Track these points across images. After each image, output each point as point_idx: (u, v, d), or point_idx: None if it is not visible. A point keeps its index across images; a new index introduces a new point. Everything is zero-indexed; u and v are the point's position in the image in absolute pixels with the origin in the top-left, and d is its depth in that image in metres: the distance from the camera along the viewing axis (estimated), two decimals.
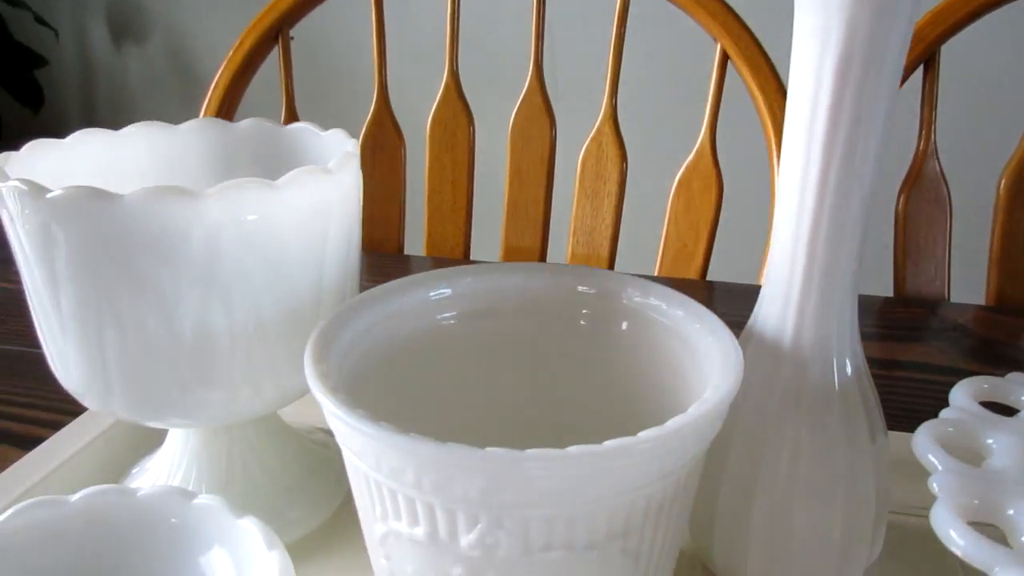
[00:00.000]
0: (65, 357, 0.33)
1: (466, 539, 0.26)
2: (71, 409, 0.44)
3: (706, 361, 0.30)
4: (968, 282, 0.88)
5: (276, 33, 0.86)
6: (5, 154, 0.34)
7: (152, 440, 0.42)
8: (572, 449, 0.24)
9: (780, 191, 0.31)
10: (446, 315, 0.35)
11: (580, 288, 0.35)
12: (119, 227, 0.30)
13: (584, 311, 0.35)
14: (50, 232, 0.30)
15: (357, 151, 0.35)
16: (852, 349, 0.32)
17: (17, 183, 0.30)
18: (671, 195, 0.81)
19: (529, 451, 0.24)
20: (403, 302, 0.34)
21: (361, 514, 0.30)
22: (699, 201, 0.81)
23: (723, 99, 0.79)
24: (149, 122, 0.40)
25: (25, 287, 0.34)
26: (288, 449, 0.40)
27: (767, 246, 0.70)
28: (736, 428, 0.32)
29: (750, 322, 0.34)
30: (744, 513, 0.33)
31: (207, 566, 0.32)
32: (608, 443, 0.24)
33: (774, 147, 0.77)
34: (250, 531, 0.32)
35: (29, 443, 0.43)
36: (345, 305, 0.32)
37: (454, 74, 0.87)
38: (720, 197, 0.80)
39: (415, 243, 0.89)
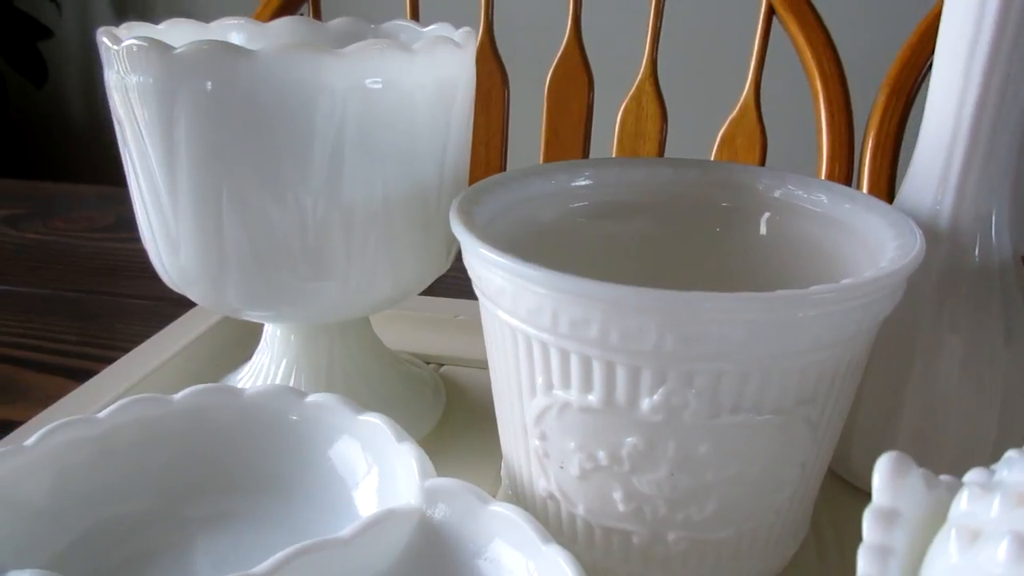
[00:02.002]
0: (176, 242, 0.31)
1: (648, 402, 0.24)
2: (120, 346, 0.43)
3: (871, 238, 0.29)
4: None
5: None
6: (105, 28, 0.32)
7: (246, 346, 0.40)
8: (780, 292, 0.23)
9: (939, 64, 0.30)
10: (582, 204, 0.33)
11: (719, 182, 0.34)
12: (249, 85, 0.28)
13: (723, 204, 0.33)
14: (174, 94, 0.28)
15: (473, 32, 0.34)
16: (1011, 228, 0.30)
17: (137, 41, 0.28)
18: (713, 152, 0.80)
19: (737, 293, 0.22)
20: (541, 187, 0.32)
21: (506, 397, 0.28)
22: (742, 159, 0.79)
23: (768, 53, 0.78)
24: (239, 18, 0.38)
25: (131, 173, 0.32)
26: (385, 362, 0.38)
27: None
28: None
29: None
30: (893, 409, 0.32)
31: (336, 458, 0.30)
32: (812, 288, 0.23)
33: (822, 103, 0.76)
34: (376, 425, 0.30)
35: (83, 375, 0.41)
36: (483, 181, 0.30)
37: (489, 32, 0.85)
38: (764, 154, 0.79)
39: None
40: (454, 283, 0.55)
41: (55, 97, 1.68)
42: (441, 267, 0.35)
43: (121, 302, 0.57)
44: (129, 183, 0.33)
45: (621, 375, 0.24)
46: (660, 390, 0.24)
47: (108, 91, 0.31)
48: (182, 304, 0.47)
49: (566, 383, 0.25)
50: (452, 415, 0.39)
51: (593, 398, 0.25)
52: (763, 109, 0.78)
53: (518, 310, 0.25)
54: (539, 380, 0.26)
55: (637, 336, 0.23)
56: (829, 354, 0.24)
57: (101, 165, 1.67)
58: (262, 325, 0.38)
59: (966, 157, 0.29)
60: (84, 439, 0.30)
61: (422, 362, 0.42)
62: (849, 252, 0.30)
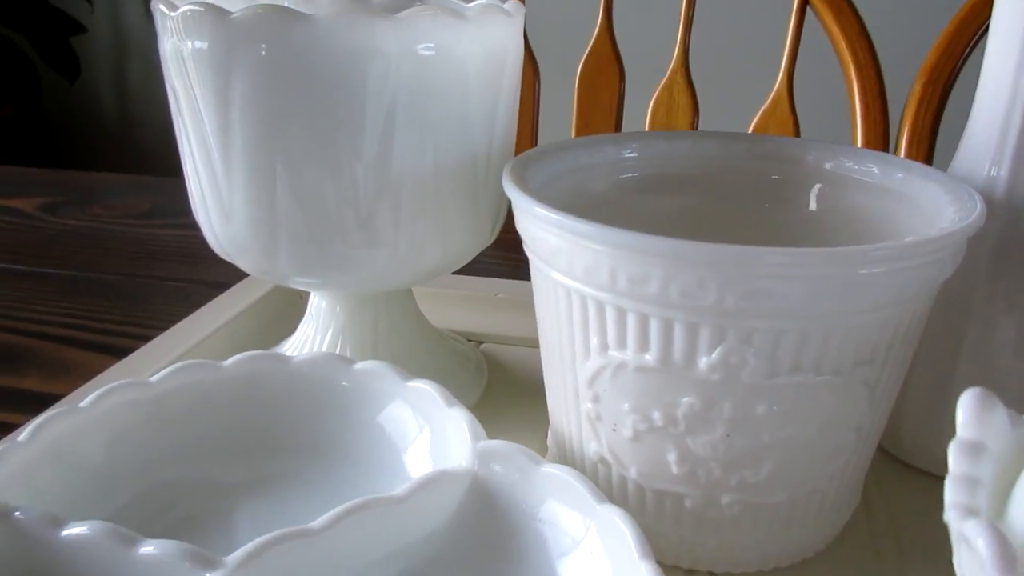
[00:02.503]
0: (229, 210, 0.31)
1: (706, 360, 0.24)
2: (161, 325, 0.43)
3: (927, 206, 0.28)
4: None
5: None
6: None
7: (291, 320, 0.41)
8: (842, 248, 0.22)
9: (995, 28, 0.29)
10: (631, 175, 0.33)
11: (767, 155, 0.33)
12: (303, 49, 0.28)
13: (773, 176, 0.33)
14: (229, 59, 0.28)
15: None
16: None
17: (193, 7, 0.28)
18: None
19: (799, 248, 0.22)
20: (590, 157, 0.32)
21: (557, 361, 0.28)
22: None
23: (801, 42, 0.78)
24: None
25: (184, 143, 0.32)
26: (429, 335, 0.39)
27: None
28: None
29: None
30: (944, 384, 0.31)
31: (386, 423, 0.31)
32: (875, 244, 0.23)
33: (856, 93, 0.75)
34: (425, 391, 0.30)
35: (126, 353, 0.42)
36: (531, 151, 0.31)
37: None
38: None
39: None
40: (491, 267, 0.55)
41: (86, 93, 1.70)
42: (486, 239, 0.35)
43: (160, 284, 0.57)
44: (182, 153, 0.33)
45: (679, 333, 0.24)
46: (718, 348, 0.24)
47: (163, 60, 0.31)
48: (218, 286, 0.48)
49: (622, 343, 0.25)
50: (494, 390, 0.39)
51: (649, 357, 0.25)
52: (796, 100, 0.78)
53: (574, 269, 0.25)
54: (594, 341, 0.26)
55: (697, 292, 0.23)
56: (889, 314, 0.24)
57: (132, 161, 1.70)
58: (306, 299, 0.38)
59: None
60: (137, 401, 0.30)
61: (464, 339, 0.42)
62: (905, 221, 0.29)
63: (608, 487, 0.28)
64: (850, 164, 0.32)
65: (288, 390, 0.32)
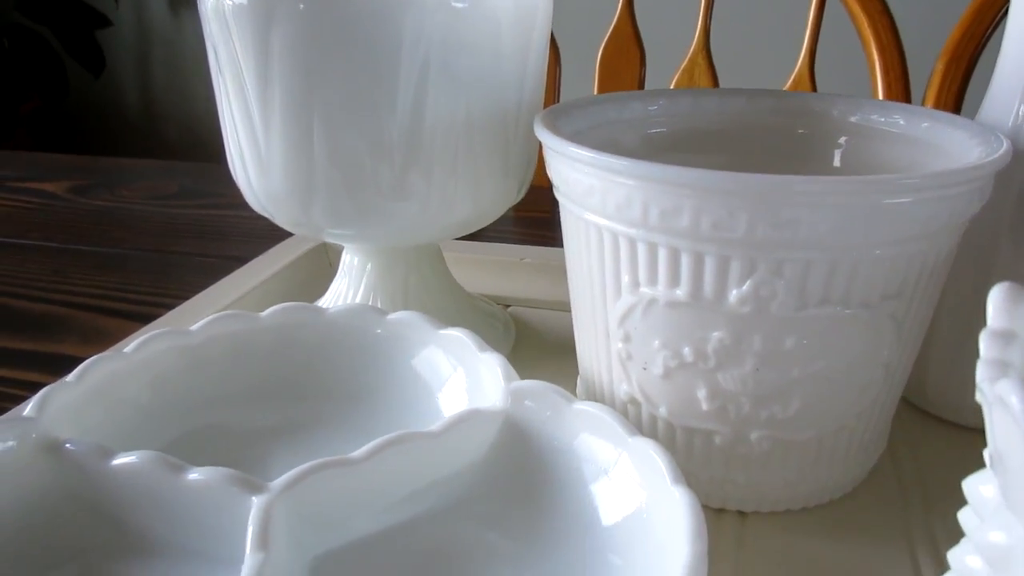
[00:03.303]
0: (267, 163, 0.32)
1: (736, 293, 0.25)
2: (189, 296, 0.44)
3: (954, 151, 0.29)
4: None
5: None
6: None
7: (323, 282, 0.42)
8: (871, 176, 0.23)
9: None
10: (660, 131, 0.33)
11: (794, 110, 0.34)
12: (340, 3, 0.29)
13: (799, 131, 0.34)
14: (269, 14, 0.29)
15: None
16: None
17: None
18: None
19: (828, 176, 0.23)
20: (618, 112, 0.33)
21: (588, 303, 0.29)
22: None
23: (822, 22, 0.78)
24: None
25: (223, 99, 0.33)
26: (458, 294, 0.39)
27: None
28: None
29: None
30: (969, 334, 0.32)
31: (420, 367, 0.31)
32: (903, 173, 0.23)
33: (878, 72, 0.75)
34: (458, 337, 0.31)
35: (148, 319, 0.43)
36: (559, 104, 0.31)
37: None
38: None
39: None
40: (514, 239, 0.56)
41: (111, 86, 1.73)
42: (514, 196, 0.36)
43: (190, 259, 0.59)
44: (220, 112, 0.34)
45: (710, 266, 0.24)
46: (749, 281, 0.24)
47: (204, 18, 0.32)
48: (244, 261, 0.49)
49: (653, 279, 0.26)
50: (521, 350, 0.40)
51: (680, 292, 0.25)
52: (817, 81, 0.78)
53: (606, 207, 0.26)
54: (625, 279, 0.27)
55: (727, 223, 0.23)
56: (916, 248, 0.25)
57: (156, 155, 1.71)
58: (336, 265, 0.39)
59: None
60: (177, 348, 0.31)
61: (491, 301, 0.43)
62: (932, 167, 0.30)
63: (638, 427, 0.29)
64: (876, 116, 0.32)
65: (322, 339, 0.33)
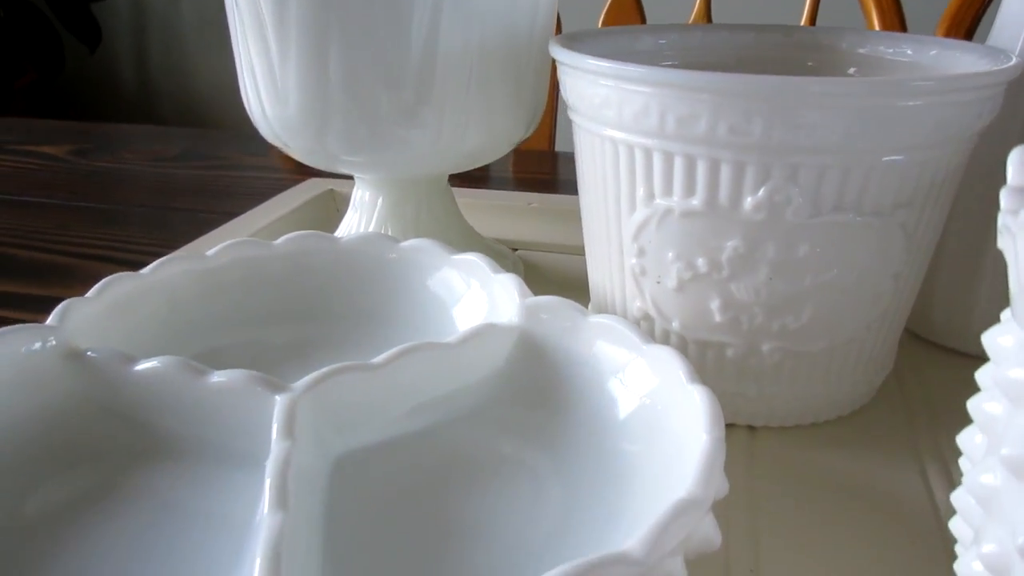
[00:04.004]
0: (284, 93, 0.33)
1: (751, 200, 0.25)
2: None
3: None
4: None
5: None
6: None
7: (331, 225, 0.42)
8: (883, 78, 0.23)
9: None
10: (669, 64, 0.34)
11: (802, 43, 0.34)
12: None
13: (808, 64, 0.34)
14: None
15: None
16: None
17: None
18: None
19: (842, 77, 0.23)
20: (630, 44, 0.33)
21: (601, 222, 0.29)
22: None
23: None
24: None
25: (238, 31, 0.33)
26: (467, 232, 0.40)
27: None
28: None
29: None
30: (975, 264, 0.32)
31: (434, 288, 0.32)
32: (915, 75, 0.24)
33: None
34: (472, 260, 0.31)
35: None
36: (571, 32, 0.32)
37: None
38: None
39: None
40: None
41: (106, 61, 1.72)
42: (524, 129, 0.36)
43: (192, 215, 0.59)
44: (236, 49, 0.34)
45: (725, 173, 0.25)
46: (764, 187, 0.25)
47: None
48: None
49: (668, 189, 0.26)
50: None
51: (696, 201, 0.26)
52: None
53: (623, 118, 0.26)
54: (640, 191, 0.27)
55: (744, 127, 0.24)
56: (927, 156, 0.25)
57: None
58: (344, 209, 0.40)
59: None
60: (193, 271, 0.31)
61: (499, 242, 0.43)
62: None
63: None
64: (884, 47, 0.33)
65: (336, 265, 0.33)
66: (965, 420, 0.19)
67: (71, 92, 1.74)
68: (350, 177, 0.38)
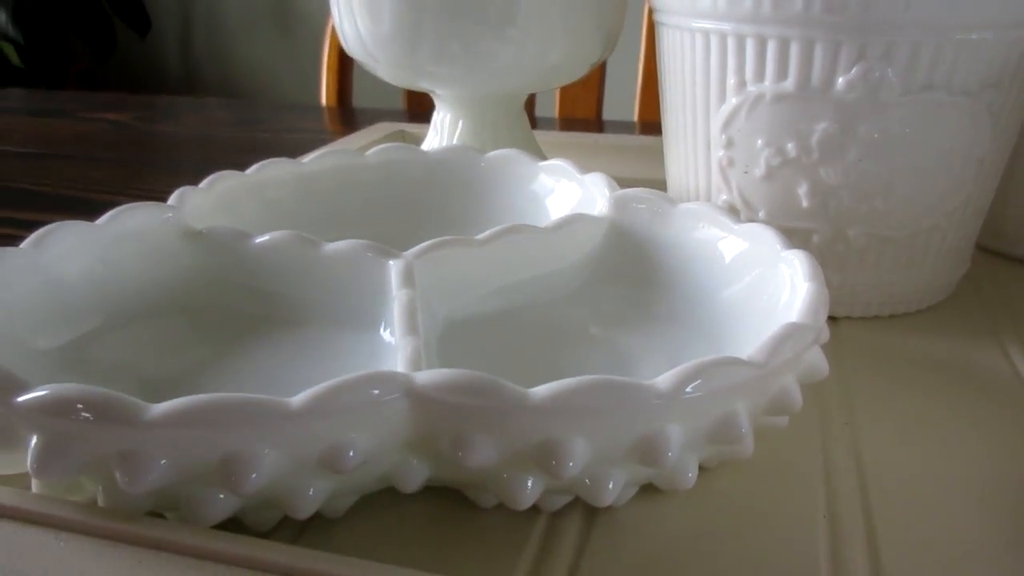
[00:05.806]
0: (379, 9, 0.34)
1: (844, 79, 0.26)
2: None
3: None
4: None
5: None
6: None
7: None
8: None
9: None
10: None
11: None
12: None
13: None
14: None
15: None
16: None
17: None
18: None
19: None
20: None
21: (689, 119, 0.30)
22: None
23: None
24: None
25: None
26: (542, 155, 0.41)
27: None
28: None
29: None
30: None
31: (524, 191, 0.33)
32: None
33: None
34: (560, 165, 0.32)
35: None
36: None
37: None
38: None
39: (546, 105, 0.87)
40: None
41: (153, 49, 1.75)
42: (602, 50, 0.38)
43: None
44: None
45: (819, 53, 0.26)
46: (857, 66, 0.26)
47: None
48: None
49: (760, 74, 0.27)
50: None
51: (788, 83, 0.27)
52: None
53: (717, 6, 0.27)
54: (731, 81, 0.28)
55: (839, 4, 0.25)
56: (1017, 35, 0.26)
57: None
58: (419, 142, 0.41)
59: None
60: (290, 174, 0.33)
61: None
62: None
63: None
64: None
65: (426, 173, 0.34)
66: None
67: (121, 78, 1.78)
68: (423, 113, 0.39)
